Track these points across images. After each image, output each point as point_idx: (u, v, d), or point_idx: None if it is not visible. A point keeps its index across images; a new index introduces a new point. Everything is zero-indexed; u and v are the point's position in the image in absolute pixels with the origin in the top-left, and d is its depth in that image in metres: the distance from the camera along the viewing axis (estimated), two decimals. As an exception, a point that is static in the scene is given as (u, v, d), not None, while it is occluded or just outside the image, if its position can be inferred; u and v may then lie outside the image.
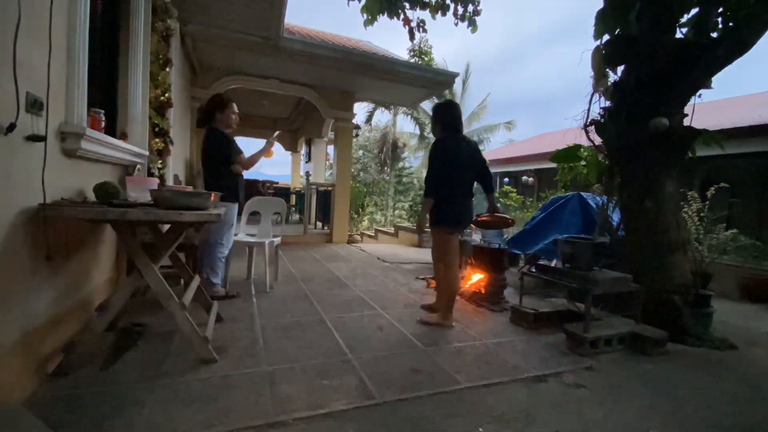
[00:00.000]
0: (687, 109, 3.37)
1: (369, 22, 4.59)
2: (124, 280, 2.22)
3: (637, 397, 2.17)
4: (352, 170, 9.53)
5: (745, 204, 6.75)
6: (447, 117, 3.12)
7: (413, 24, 4.90)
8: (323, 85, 7.64)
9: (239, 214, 3.87)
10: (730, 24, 3.15)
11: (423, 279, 4.90)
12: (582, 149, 4.07)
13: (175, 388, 1.93)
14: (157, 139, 4.00)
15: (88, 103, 2.34)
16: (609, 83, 3.62)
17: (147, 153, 3.46)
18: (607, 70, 3.60)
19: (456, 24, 4.88)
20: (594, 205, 4.12)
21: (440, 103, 3.25)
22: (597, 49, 3.52)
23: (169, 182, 4.36)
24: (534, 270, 3.41)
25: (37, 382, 1.88)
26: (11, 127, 1.58)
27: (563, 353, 2.72)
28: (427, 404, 1.94)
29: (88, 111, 2.38)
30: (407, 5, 4.77)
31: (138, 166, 3.28)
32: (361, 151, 21.83)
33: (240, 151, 3.57)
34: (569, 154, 4.23)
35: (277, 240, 4.26)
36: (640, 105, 3.34)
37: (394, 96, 8.78)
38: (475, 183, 3.16)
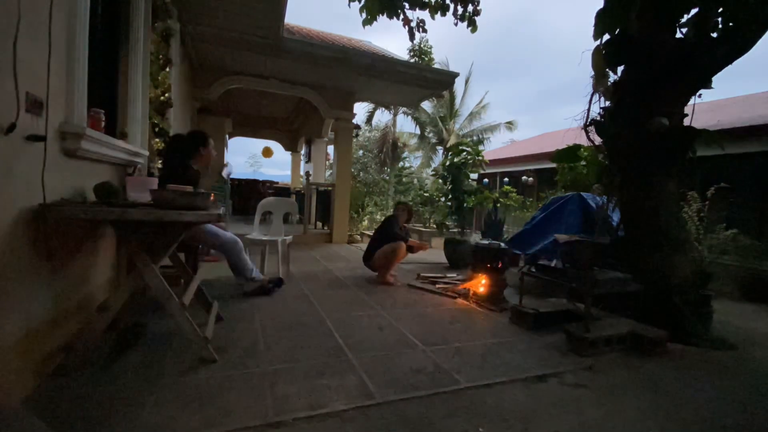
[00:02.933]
0: (687, 109, 3.37)
1: (368, 22, 4.59)
2: (124, 280, 2.22)
3: (637, 397, 2.17)
4: (352, 170, 9.55)
5: (745, 204, 6.75)
6: None
7: (413, 24, 4.90)
8: (323, 85, 7.65)
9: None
10: (730, 24, 3.15)
11: (423, 278, 4.90)
12: (582, 149, 4.07)
13: (175, 388, 1.93)
14: (157, 139, 4.00)
15: (88, 103, 2.34)
16: (609, 83, 3.62)
17: (147, 153, 3.46)
18: (607, 70, 3.60)
19: (456, 24, 4.88)
20: (594, 205, 4.12)
21: None
22: (597, 49, 3.53)
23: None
24: (534, 270, 3.41)
25: (37, 382, 1.88)
26: (11, 127, 1.58)
27: (563, 353, 2.72)
28: (427, 404, 1.94)
29: (88, 111, 2.38)
30: (407, 5, 4.77)
31: (138, 166, 3.28)
32: (361, 151, 21.86)
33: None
34: (569, 154, 4.23)
35: (289, 238, 4.35)
36: (640, 105, 3.34)
37: (395, 96, 8.79)
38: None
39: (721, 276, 4.73)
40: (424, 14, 4.83)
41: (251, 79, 7.18)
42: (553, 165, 6.46)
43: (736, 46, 3.00)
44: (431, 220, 9.11)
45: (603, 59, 3.48)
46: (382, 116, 24.57)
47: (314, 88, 7.68)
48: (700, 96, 3.41)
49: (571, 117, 3.78)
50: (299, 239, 7.73)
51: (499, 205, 7.03)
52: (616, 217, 3.76)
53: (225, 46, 5.81)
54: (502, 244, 4.07)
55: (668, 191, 3.27)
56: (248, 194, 11.90)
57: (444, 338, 2.85)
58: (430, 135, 21.62)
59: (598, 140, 3.71)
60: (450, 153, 7.35)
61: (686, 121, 3.39)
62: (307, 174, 8.47)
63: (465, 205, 6.91)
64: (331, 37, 8.06)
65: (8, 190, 1.63)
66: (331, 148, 11.12)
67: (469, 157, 7.08)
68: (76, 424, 1.62)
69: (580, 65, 3.61)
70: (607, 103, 3.64)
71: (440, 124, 21.04)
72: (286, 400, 1.88)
